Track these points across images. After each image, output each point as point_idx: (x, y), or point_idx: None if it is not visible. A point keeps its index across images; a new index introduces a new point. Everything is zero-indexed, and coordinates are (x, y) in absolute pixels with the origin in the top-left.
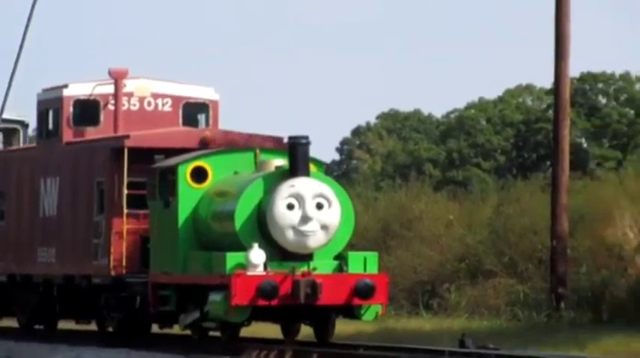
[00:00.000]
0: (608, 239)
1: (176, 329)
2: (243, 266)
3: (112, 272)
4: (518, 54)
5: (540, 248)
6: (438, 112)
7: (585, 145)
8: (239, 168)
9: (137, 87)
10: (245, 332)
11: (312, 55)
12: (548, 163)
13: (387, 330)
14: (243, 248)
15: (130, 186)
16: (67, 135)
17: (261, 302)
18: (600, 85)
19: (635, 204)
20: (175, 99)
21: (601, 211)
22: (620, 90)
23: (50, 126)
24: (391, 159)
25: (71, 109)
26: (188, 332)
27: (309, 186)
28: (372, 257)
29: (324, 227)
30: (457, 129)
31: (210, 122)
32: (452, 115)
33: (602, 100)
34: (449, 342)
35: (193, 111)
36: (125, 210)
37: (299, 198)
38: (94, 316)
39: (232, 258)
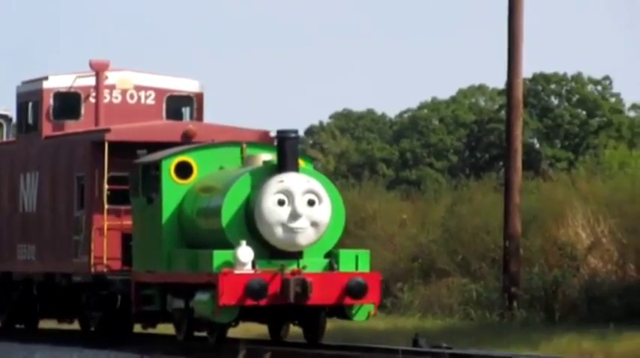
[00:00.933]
0: (560, 238)
1: (159, 329)
2: (231, 264)
3: (93, 270)
4: (471, 55)
5: (493, 247)
6: (391, 112)
7: (537, 146)
8: (225, 163)
9: (119, 79)
10: (232, 332)
11: (265, 53)
12: (501, 163)
13: (341, 329)
14: (231, 245)
15: (110, 181)
16: (47, 128)
17: (250, 302)
18: (553, 86)
19: (587, 204)
20: (159, 92)
21: (553, 211)
22: (572, 91)
23: (30, 119)
24: (344, 159)
25: (51, 102)
26: (172, 331)
27: (298, 182)
28: (364, 254)
29: (314, 224)
30: (410, 129)
31: (195, 115)
32: (405, 115)
33: (555, 101)
34: (402, 341)
35: (177, 104)
36: (106, 206)
37: (288, 194)
38: (76, 315)
39: (219, 256)
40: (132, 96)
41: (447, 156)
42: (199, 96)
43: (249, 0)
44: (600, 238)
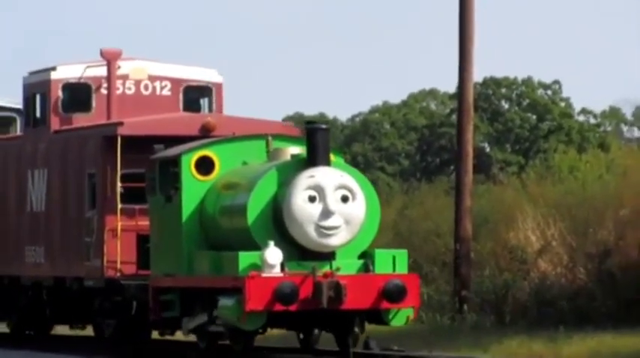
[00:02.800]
0: (510, 242)
1: (178, 336)
2: (258, 266)
3: (106, 275)
4: (423, 59)
5: (444, 251)
6: (343, 116)
7: (488, 150)
8: (248, 158)
9: (132, 69)
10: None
11: (216, 56)
12: (452, 167)
13: (291, 332)
14: (257, 246)
15: (124, 178)
16: (56, 122)
17: (279, 307)
18: (503, 90)
19: (537, 208)
20: (175, 82)
21: (504, 215)
22: (523, 96)
23: (37, 113)
24: None
25: (60, 94)
26: (192, 338)
27: (330, 177)
28: (402, 255)
29: (347, 222)
30: (362, 133)
31: (214, 107)
32: (356, 119)
33: (505, 105)
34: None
35: (195, 95)
36: (119, 206)
37: (320, 190)
38: (89, 321)
39: (245, 258)
40: (146, 87)
41: (399, 160)
42: (218, 87)
43: None
44: (550, 241)
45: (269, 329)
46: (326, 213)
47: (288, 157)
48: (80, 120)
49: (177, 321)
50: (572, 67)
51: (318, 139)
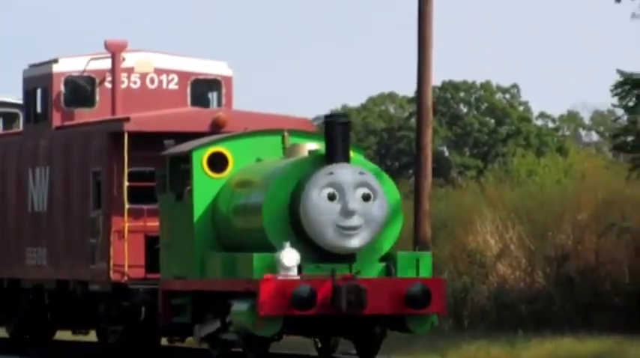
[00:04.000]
0: (469, 246)
1: (189, 342)
2: (274, 269)
3: (112, 278)
4: (382, 62)
5: None
6: None
7: (447, 153)
8: (264, 154)
9: (138, 61)
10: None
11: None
12: (411, 171)
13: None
14: (273, 248)
15: (131, 176)
16: (58, 118)
17: (296, 312)
18: (462, 94)
19: (496, 212)
20: (182, 76)
21: (462, 218)
22: (481, 99)
23: (38, 108)
24: None
25: (62, 88)
26: (205, 346)
27: (350, 174)
28: (426, 257)
29: (368, 222)
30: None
31: (223, 102)
32: (315, 123)
33: (464, 109)
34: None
35: (203, 89)
36: (126, 205)
37: (339, 187)
38: (93, 326)
39: (260, 260)
40: (152, 81)
41: None
42: (228, 80)
43: None
44: (509, 245)
45: (285, 336)
46: (346, 213)
47: (306, 153)
48: (83, 115)
49: (187, 327)
50: (530, 71)
51: (337, 133)
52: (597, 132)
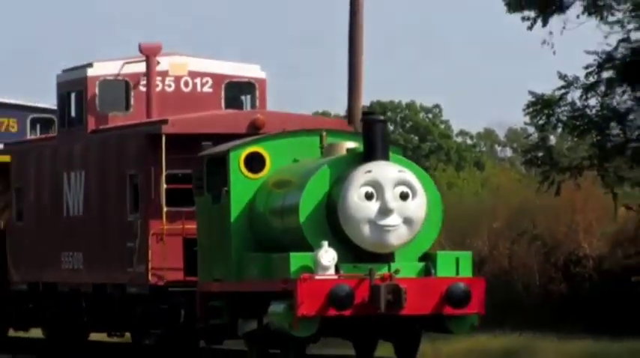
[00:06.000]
0: None
1: (227, 344)
2: (311, 269)
3: (151, 281)
4: (314, 82)
5: None
6: None
7: None
8: (302, 154)
9: (172, 64)
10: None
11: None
12: None
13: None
14: (310, 247)
15: (169, 179)
16: (93, 122)
17: (333, 312)
18: (389, 114)
19: None
20: (216, 78)
21: None
22: (406, 118)
23: (73, 112)
24: None
25: (96, 92)
26: (242, 347)
27: (389, 172)
28: (466, 257)
29: (407, 221)
30: None
31: (257, 104)
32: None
33: (391, 127)
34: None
35: (237, 91)
36: (164, 208)
37: (377, 186)
38: (128, 328)
39: (297, 259)
40: (187, 84)
41: None
42: (262, 83)
43: None
44: None
45: (322, 338)
46: (384, 211)
47: (344, 152)
48: (118, 119)
49: (225, 329)
50: (451, 92)
51: (376, 131)
52: (511, 148)
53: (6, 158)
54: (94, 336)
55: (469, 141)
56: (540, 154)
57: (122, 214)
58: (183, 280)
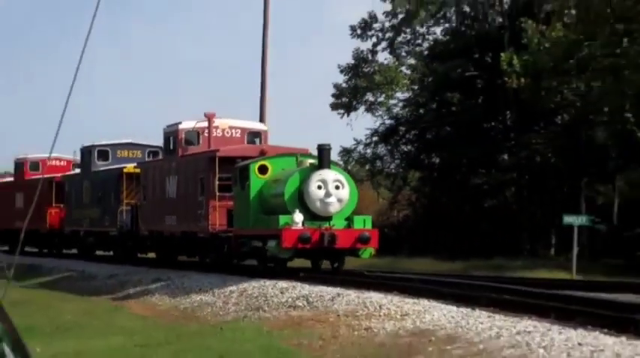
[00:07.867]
0: None
1: (248, 262)
2: (289, 223)
3: (210, 230)
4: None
5: None
6: None
7: None
8: (286, 166)
9: (220, 122)
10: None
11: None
12: None
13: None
14: (289, 213)
15: (219, 179)
16: (180, 151)
17: (301, 246)
18: None
19: None
20: (242, 130)
21: None
22: None
23: (171, 146)
24: None
25: (183, 136)
26: (254, 263)
27: (330, 175)
28: (368, 219)
29: (339, 200)
30: None
31: (262, 142)
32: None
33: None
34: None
35: (253, 137)
36: (217, 194)
37: (324, 182)
38: (199, 254)
39: (283, 219)
40: (227, 132)
41: None
42: (265, 132)
43: None
44: None
45: (295, 259)
46: (327, 195)
47: (307, 165)
48: (193, 149)
49: (247, 254)
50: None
51: (324, 153)
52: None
53: (137, 170)
54: (180, 258)
55: None
56: None
57: (195, 196)
58: (226, 229)
